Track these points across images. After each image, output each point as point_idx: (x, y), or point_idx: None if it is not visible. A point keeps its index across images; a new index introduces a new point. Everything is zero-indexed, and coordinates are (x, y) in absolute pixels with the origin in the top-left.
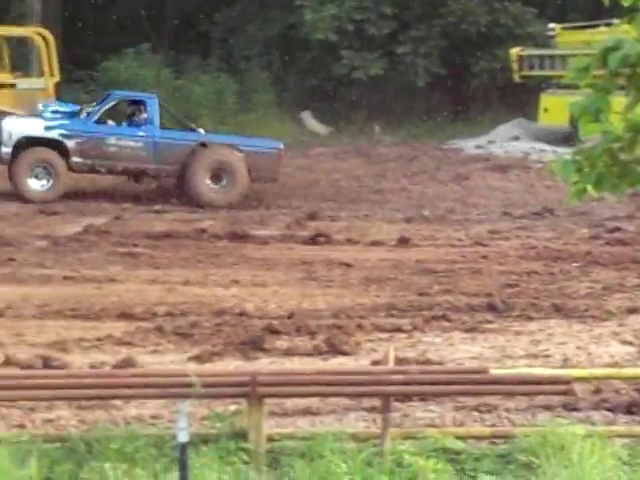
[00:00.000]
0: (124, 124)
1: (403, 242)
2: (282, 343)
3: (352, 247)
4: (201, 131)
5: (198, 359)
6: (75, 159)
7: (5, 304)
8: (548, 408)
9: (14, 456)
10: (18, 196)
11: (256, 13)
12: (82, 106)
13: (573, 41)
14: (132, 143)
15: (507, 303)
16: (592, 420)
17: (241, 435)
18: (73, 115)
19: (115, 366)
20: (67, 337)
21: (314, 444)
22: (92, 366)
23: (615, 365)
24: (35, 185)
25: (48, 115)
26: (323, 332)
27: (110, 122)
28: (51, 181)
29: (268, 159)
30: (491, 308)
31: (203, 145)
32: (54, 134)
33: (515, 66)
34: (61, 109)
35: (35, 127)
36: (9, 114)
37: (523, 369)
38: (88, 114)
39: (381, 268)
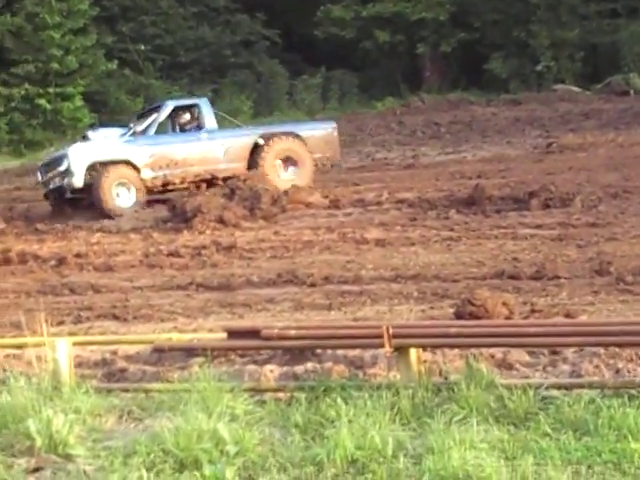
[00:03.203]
0: (180, 130)
1: None
2: None
3: None
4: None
5: None
6: (146, 173)
7: None
8: None
9: None
10: (105, 215)
11: None
12: (130, 125)
13: None
14: (199, 147)
15: None
16: None
17: None
18: (124, 135)
19: None
20: None
21: None
22: None
23: None
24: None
25: (102, 139)
26: None
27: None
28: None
29: (326, 140)
30: None
31: (263, 138)
32: (122, 155)
33: None
34: (109, 132)
35: (103, 152)
36: None
37: None
38: (143, 129)
39: None
